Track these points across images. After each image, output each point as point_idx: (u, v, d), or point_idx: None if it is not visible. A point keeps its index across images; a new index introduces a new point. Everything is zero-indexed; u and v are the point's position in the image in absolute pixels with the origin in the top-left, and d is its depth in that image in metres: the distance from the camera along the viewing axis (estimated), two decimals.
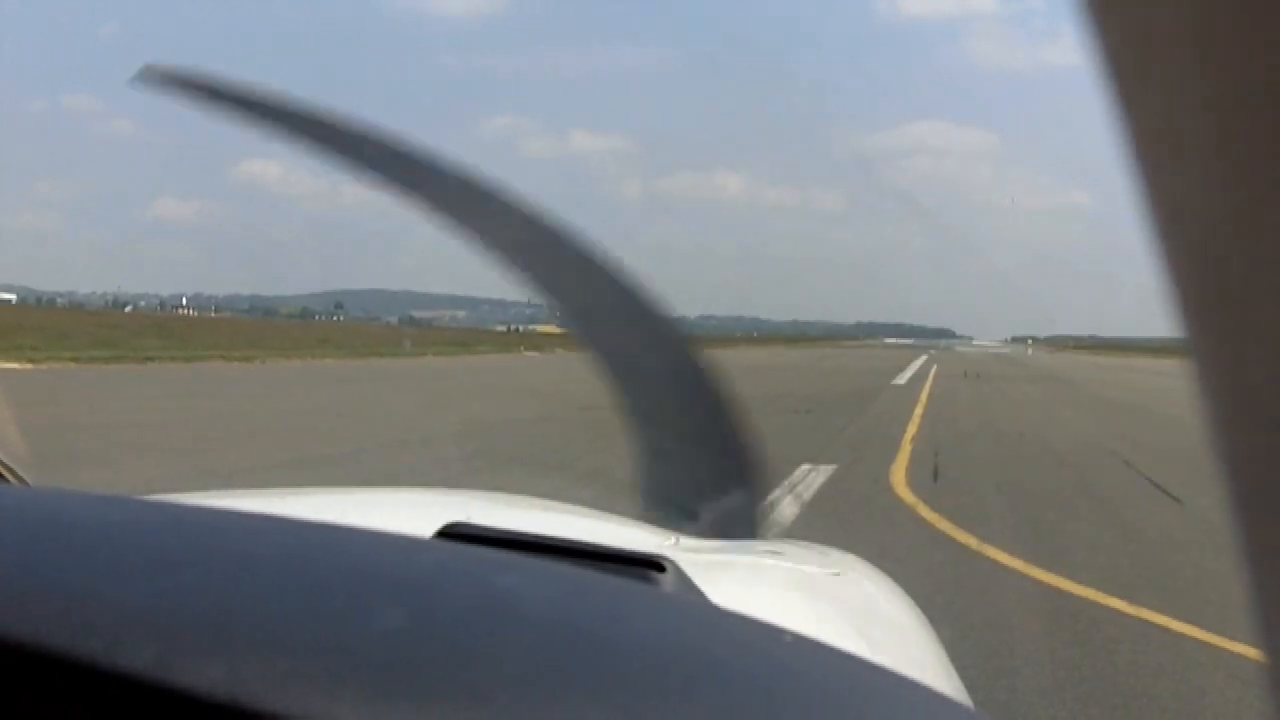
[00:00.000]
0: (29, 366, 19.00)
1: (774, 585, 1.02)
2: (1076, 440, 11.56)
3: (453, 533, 0.67)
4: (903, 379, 26.92)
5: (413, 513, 1.14)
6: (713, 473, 1.08)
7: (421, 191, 0.98)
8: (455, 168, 0.98)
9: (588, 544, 0.69)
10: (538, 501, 1.44)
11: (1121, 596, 4.36)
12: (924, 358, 49.55)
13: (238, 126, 0.96)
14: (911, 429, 12.22)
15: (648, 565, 0.63)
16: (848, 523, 6.05)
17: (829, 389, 20.97)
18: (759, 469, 1.09)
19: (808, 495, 6.84)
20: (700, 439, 1.09)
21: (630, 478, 1.07)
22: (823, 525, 5.77)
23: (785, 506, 6.32)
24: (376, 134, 0.97)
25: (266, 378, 19.85)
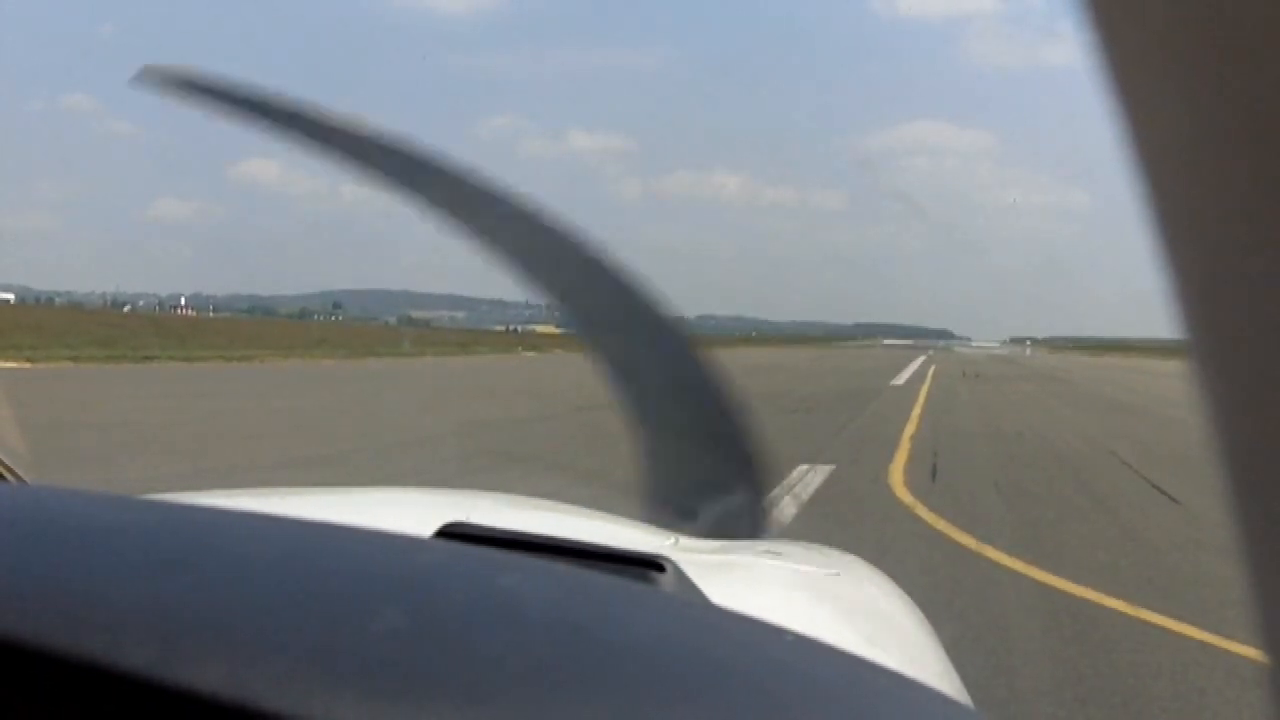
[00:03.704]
0: (27, 365, 18.98)
1: (774, 585, 1.02)
2: (1075, 440, 11.55)
3: (452, 533, 0.67)
4: (901, 379, 26.91)
5: (413, 513, 1.14)
6: (716, 473, 1.08)
7: (424, 192, 0.98)
8: (458, 169, 0.97)
9: (587, 544, 0.69)
10: (537, 501, 1.44)
11: (1120, 597, 4.36)
12: (923, 358, 49.57)
13: (237, 125, 0.96)
14: (910, 428, 12.21)
15: (647, 565, 0.63)
16: (846, 523, 6.05)
17: (828, 389, 20.97)
18: (763, 469, 1.08)
19: (806, 495, 6.84)
20: (703, 439, 1.09)
21: (632, 478, 1.06)
22: (821, 525, 5.77)
23: (783, 506, 6.32)
24: (377, 134, 0.96)
25: (269, 377, 19.83)
